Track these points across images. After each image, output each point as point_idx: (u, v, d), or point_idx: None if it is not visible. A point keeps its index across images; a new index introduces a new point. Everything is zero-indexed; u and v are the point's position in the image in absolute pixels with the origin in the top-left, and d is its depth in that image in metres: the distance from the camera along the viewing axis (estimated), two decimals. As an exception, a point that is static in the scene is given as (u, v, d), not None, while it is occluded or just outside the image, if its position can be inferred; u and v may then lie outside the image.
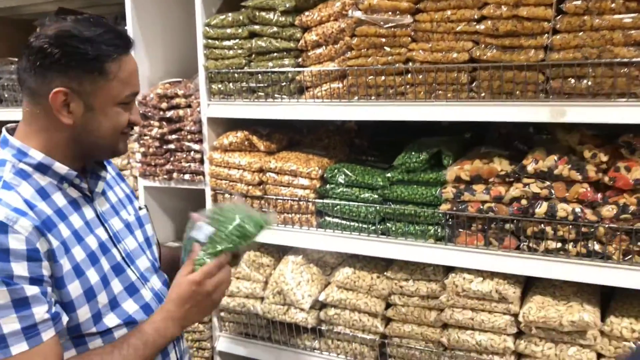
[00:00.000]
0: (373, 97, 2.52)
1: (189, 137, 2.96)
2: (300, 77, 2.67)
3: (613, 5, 2.03)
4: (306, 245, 2.77)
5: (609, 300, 2.45)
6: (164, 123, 3.04)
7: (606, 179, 2.19)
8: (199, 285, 1.62)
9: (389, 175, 2.61)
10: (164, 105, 2.97)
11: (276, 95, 2.76)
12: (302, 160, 2.79)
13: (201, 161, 2.98)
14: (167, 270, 1.89)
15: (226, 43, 2.83)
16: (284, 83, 2.72)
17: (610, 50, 2.07)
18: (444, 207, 2.47)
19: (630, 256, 2.18)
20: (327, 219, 2.73)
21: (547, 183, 2.28)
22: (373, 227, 2.62)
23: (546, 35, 2.16)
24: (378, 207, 2.59)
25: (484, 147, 2.61)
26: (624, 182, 2.15)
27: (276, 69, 2.71)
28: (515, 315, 2.41)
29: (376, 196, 2.61)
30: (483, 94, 2.32)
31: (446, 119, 2.39)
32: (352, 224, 2.66)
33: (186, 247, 1.77)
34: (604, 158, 2.22)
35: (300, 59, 2.68)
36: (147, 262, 1.80)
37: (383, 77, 2.48)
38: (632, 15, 2.02)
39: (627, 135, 2.23)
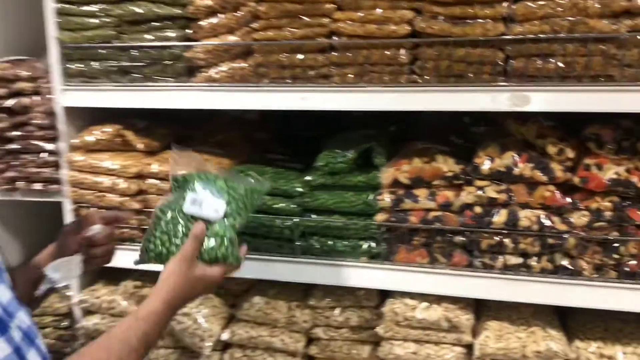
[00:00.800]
0: (288, 81, 1.97)
1: (38, 133, 2.28)
2: (191, 54, 2.04)
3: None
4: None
5: (563, 316, 2.11)
6: (4, 115, 2.29)
7: (576, 179, 1.82)
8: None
9: (308, 179, 2.08)
10: (1, 92, 2.21)
11: (157, 78, 2.11)
12: (198, 160, 2.17)
13: (57, 165, 2.26)
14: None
15: (87, 8, 2.14)
16: (168, 62, 2.08)
17: (585, 22, 1.68)
18: (380, 217, 1.99)
19: (603, 271, 1.83)
20: (231, 236, 2.14)
21: (505, 186, 1.87)
22: (291, 245, 2.08)
23: (506, 3, 1.74)
24: (297, 220, 2.05)
25: (421, 142, 2.16)
26: (597, 183, 1.79)
27: (157, 43, 2.07)
28: (468, 346, 1.98)
29: (294, 206, 2.07)
30: (428, 77, 1.86)
31: (382, 108, 1.90)
32: (264, 241, 2.10)
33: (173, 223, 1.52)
34: (571, 154, 1.84)
35: (189, 31, 2.05)
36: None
37: (301, 55, 1.94)
38: (610, -21, 1.65)
39: (594, 126, 1.88)
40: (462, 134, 2.31)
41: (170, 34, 2.07)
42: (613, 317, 2.01)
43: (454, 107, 1.83)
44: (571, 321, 2.06)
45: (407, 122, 2.50)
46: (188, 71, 2.09)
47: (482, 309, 2.08)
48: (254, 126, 2.64)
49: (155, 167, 2.16)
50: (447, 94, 1.83)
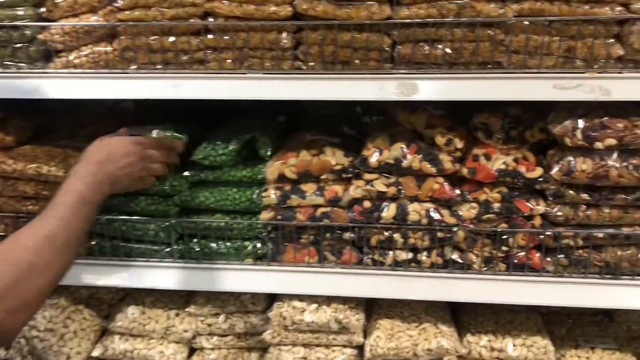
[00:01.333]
0: (159, 67, 1.76)
1: None
2: (45, 35, 1.79)
3: (473, -53, 1.56)
4: (72, 280, 1.91)
5: (456, 310, 2.06)
6: None
7: (465, 170, 1.76)
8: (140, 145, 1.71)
9: (186, 174, 1.89)
10: None
11: (7, 63, 1.84)
12: (56, 159, 1.93)
13: None
14: None
15: None
16: (19, 45, 1.81)
17: (472, 6, 1.60)
18: (265, 215, 1.84)
19: (492, 264, 1.79)
20: (101, 242, 1.91)
21: (394, 179, 1.78)
22: (168, 249, 1.89)
23: (391, -16, 1.63)
24: (173, 221, 1.86)
25: (310, 134, 2.02)
26: (486, 174, 1.74)
27: (5, 23, 1.79)
28: (360, 347, 1.89)
29: (170, 205, 1.88)
30: (312, 63, 1.72)
31: (261, 97, 1.73)
32: (138, 246, 1.89)
33: None
34: (460, 144, 1.78)
35: (43, 9, 1.79)
36: None
37: (172, 38, 1.74)
38: (496, -38, 1.58)
39: (482, 114, 1.82)
40: (355, 124, 2.21)
41: (21, 12, 1.80)
42: (504, 308, 1.99)
43: (339, 96, 1.70)
44: (463, 315, 2.03)
45: (300, 111, 2.37)
46: (44, 55, 1.83)
47: (374, 307, 2.00)
48: (131, 116, 2.40)
49: (10, 165, 1.88)
50: (332, 82, 1.70)
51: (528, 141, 1.80)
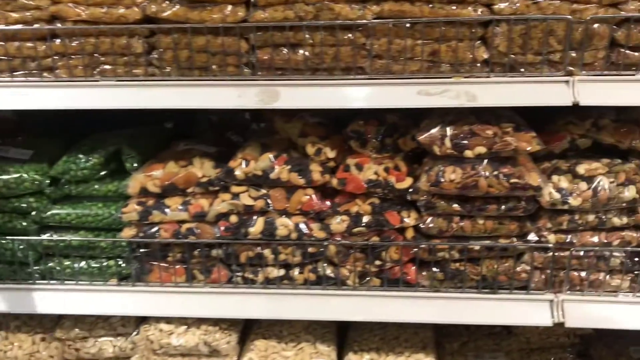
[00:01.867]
0: (6, 75, 1.63)
1: None
2: None
3: (329, -55, 1.46)
4: None
5: (347, 328, 1.96)
6: None
7: (335, 181, 1.66)
8: None
9: (47, 191, 1.76)
10: None
11: None
12: None
13: None
14: None
15: None
16: None
17: (330, 8, 1.50)
18: (127, 232, 1.72)
19: (366, 279, 1.69)
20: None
21: (263, 191, 1.68)
22: (28, 270, 1.76)
23: (246, -15, 1.52)
24: (32, 240, 1.73)
25: (185, 143, 1.91)
26: (356, 185, 1.64)
27: None
28: (234, 370, 1.78)
29: (29, 222, 1.75)
30: (168, 69, 1.61)
31: (116, 106, 1.61)
32: (-8, 267, 1.76)
33: None
34: (331, 154, 1.68)
35: None
36: None
37: (16, 44, 1.61)
38: (354, -40, 1.48)
39: (357, 122, 1.72)
40: (242, 131, 2.11)
41: None
42: (392, 323, 1.90)
43: (196, 104, 1.59)
44: (351, 330, 1.93)
45: (190, 117, 2.25)
46: None
47: (253, 326, 1.89)
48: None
49: None
50: (188, 89, 1.59)
51: (402, 150, 1.70)
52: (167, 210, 1.69)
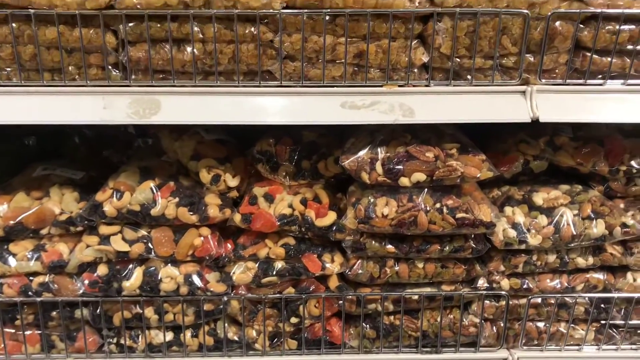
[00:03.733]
0: None
1: None
2: None
3: None
4: None
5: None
6: None
7: (237, 217, 1.29)
8: None
9: None
10: None
11: None
12: None
13: None
14: None
15: None
16: None
17: (226, -7, 1.14)
18: (-44, 290, 1.28)
19: (279, 341, 1.34)
20: None
21: (143, 232, 1.28)
22: None
23: (112, -41, 1.13)
24: None
25: (43, 166, 1.48)
26: (265, 222, 1.28)
27: None
28: None
29: None
30: (7, 71, 1.19)
31: None
32: None
33: None
34: (233, 182, 1.32)
35: None
36: None
37: None
38: None
39: (266, 140, 1.37)
40: (124, 148, 1.70)
41: None
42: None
43: (46, 118, 1.17)
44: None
45: (58, 131, 1.81)
46: None
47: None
48: None
49: None
50: (36, 98, 1.17)
51: (323, 175, 1.36)
52: (11, 259, 1.26)
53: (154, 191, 1.27)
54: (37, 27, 1.15)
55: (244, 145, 1.44)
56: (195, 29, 1.16)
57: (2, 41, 1.17)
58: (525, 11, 1.15)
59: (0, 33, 1.16)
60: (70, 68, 1.19)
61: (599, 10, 1.15)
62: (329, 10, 1.15)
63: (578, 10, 1.15)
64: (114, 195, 1.26)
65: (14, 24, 1.15)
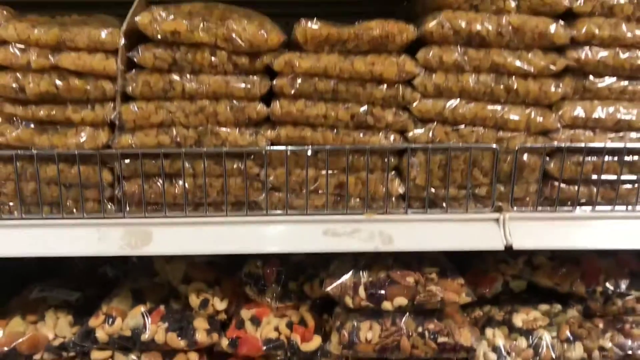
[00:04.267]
0: None
1: None
2: None
3: (214, 59, 1.21)
4: None
5: None
6: None
7: (224, 342, 1.32)
8: None
9: None
10: None
11: None
12: None
13: None
14: None
15: None
16: None
17: (215, 132, 1.24)
18: (-54, 419, 1.29)
19: None
20: None
21: (133, 357, 1.31)
22: None
23: (112, 103, 1.23)
24: None
25: (40, 287, 1.53)
26: (251, 346, 1.31)
27: None
28: None
29: None
30: (9, 205, 1.26)
31: None
32: None
33: None
34: (221, 305, 1.36)
35: None
36: None
37: None
38: (244, 77, 1.23)
39: (254, 263, 1.42)
40: (121, 264, 1.75)
41: None
42: None
43: (44, 251, 1.23)
44: None
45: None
46: None
47: None
48: None
49: None
50: (35, 231, 1.24)
51: (309, 297, 1.41)
52: (1, 387, 1.29)
53: (145, 317, 1.32)
54: (38, 166, 1.23)
55: (234, 265, 1.49)
56: (187, 165, 1.25)
57: (6, 178, 1.25)
58: (494, 146, 1.23)
59: (5, 171, 1.25)
60: (68, 202, 1.27)
61: (563, 145, 1.23)
62: (310, 147, 1.24)
63: (543, 145, 1.24)
64: (107, 321, 1.30)
65: (17, 163, 1.24)
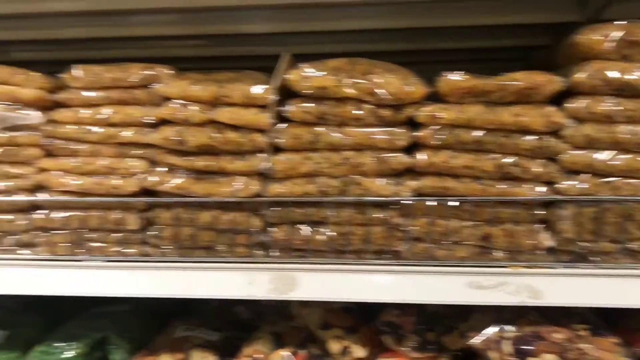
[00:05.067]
0: (-24, 251, 1.40)
1: None
2: None
3: (359, 111, 1.25)
4: None
5: None
6: None
7: (364, 391, 1.33)
8: None
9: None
10: None
11: None
12: None
13: None
14: None
15: None
16: None
17: (359, 183, 1.27)
18: None
19: None
20: None
21: (274, 400, 1.35)
22: None
23: (263, 154, 1.31)
24: None
25: (184, 326, 1.61)
26: (391, 396, 1.31)
27: None
28: None
29: None
30: (166, 249, 1.36)
31: (102, 294, 1.34)
32: None
33: None
34: (361, 352, 1.37)
35: None
36: None
37: (-6, 216, 1.39)
38: (387, 129, 1.26)
39: (391, 312, 1.43)
40: (254, 310, 1.81)
41: None
42: None
43: (199, 292, 1.31)
44: None
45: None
46: None
47: None
48: None
49: None
50: (189, 273, 1.32)
51: (448, 348, 1.39)
52: (153, 422, 1.36)
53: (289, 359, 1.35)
54: (195, 212, 1.32)
55: (368, 313, 1.50)
56: (331, 213, 1.29)
57: (164, 224, 1.35)
58: (650, 198, 1.18)
59: (164, 217, 1.35)
60: (219, 247, 1.34)
61: None
62: (453, 197, 1.24)
63: None
64: (250, 363, 1.35)
65: (177, 210, 1.33)
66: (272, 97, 1.28)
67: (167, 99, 1.33)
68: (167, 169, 1.34)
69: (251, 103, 1.29)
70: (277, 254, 1.32)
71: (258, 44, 1.82)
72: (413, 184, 1.26)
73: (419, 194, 1.27)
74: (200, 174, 1.33)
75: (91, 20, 1.69)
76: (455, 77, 1.24)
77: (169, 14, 1.61)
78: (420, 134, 1.26)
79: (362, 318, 1.49)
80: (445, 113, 1.24)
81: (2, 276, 1.36)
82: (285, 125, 1.29)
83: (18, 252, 1.39)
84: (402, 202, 1.26)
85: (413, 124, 1.28)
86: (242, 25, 1.64)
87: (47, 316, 1.70)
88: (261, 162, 1.30)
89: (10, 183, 1.38)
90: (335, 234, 1.29)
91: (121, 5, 1.51)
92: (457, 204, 1.25)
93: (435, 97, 1.28)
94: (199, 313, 1.76)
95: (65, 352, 1.46)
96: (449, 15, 1.51)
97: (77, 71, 1.37)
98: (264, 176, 1.31)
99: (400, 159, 1.26)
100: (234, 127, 1.30)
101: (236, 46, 1.83)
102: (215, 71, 1.42)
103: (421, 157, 1.25)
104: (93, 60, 1.45)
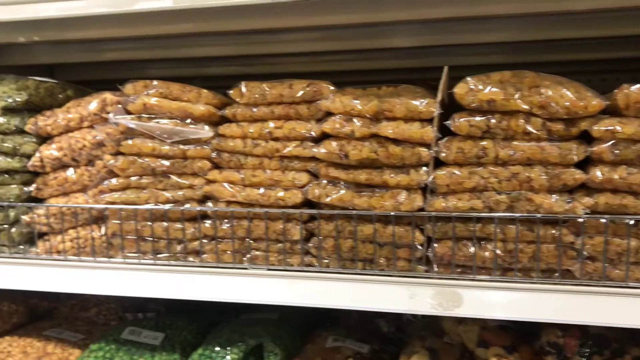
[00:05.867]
0: (149, 257, 1.48)
1: None
2: (31, 217, 1.57)
3: (529, 126, 1.22)
4: None
5: None
6: None
7: (531, 413, 1.29)
8: None
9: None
10: None
11: (-10, 246, 1.63)
12: (35, 352, 1.64)
13: None
14: None
15: None
16: (2, 226, 1.60)
17: (529, 199, 1.24)
18: None
19: None
20: None
21: (434, 416, 1.33)
22: None
23: (425, 168, 1.30)
24: None
25: (333, 336, 1.64)
26: (560, 421, 1.25)
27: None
28: None
29: None
30: (327, 260, 1.38)
31: (265, 301, 1.39)
32: None
33: None
34: (522, 373, 1.33)
35: (31, 188, 1.59)
36: None
37: (164, 224, 1.47)
38: (559, 143, 1.22)
39: (554, 332, 1.38)
40: (395, 323, 1.81)
41: (14, 189, 1.60)
42: None
43: (358, 304, 1.33)
44: None
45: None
46: (28, 239, 1.61)
47: None
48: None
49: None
50: (350, 284, 1.34)
51: (619, 374, 1.32)
52: None
53: (446, 377, 1.34)
54: (357, 225, 1.34)
55: (525, 331, 1.46)
56: (498, 229, 1.26)
57: (327, 235, 1.38)
58: None
59: (325, 228, 1.37)
60: (380, 260, 1.35)
61: None
62: (632, 216, 1.18)
63: None
64: (409, 378, 1.35)
65: (338, 222, 1.35)
66: (437, 110, 1.28)
67: (330, 113, 1.36)
68: (329, 181, 1.37)
69: (414, 117, 1.30)
70: (438, 269, 1.31)
71: (401, 58, 1.84)
72: (588, 200, 1.21)
73: (594, 210, 1.21)
74: (361, 187, 1.35)
75: (239, 39, 1.78)
76: (636, 89, 1.18)
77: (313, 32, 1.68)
78: (594, 149, 1.21)
79: (519, 337, 1.45)
80: (624, 127, 1.18)
81: (172, 281, 1.44)
82: (449, 139, 1.28)
83: (188, 258, 1.46)
84: (574, 219, 1.21)
85: (582, 137, 1.23)
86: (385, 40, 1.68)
87: (197, 320, 1.78)
88: (424, 176, 1.30)
89: (180, 193, 1.46)
90: (500, 251, 1.27)
91: (271, 24, 1.56)
92: (634, 223, 1.19)
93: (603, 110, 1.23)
94: (343, 324, 1.78)
95: (225, 357, 1.51)
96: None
97: (243, 87, 1.43)
98: (425, 190, 1.31)
99: (575, 175, 1.22)
100: (397, 141, 1.31)
101: (376, 60, 1.86)
102: (369, 85, 1.44)
103: (597, 173, 1.20)
104: (237, 76, 1.52)
